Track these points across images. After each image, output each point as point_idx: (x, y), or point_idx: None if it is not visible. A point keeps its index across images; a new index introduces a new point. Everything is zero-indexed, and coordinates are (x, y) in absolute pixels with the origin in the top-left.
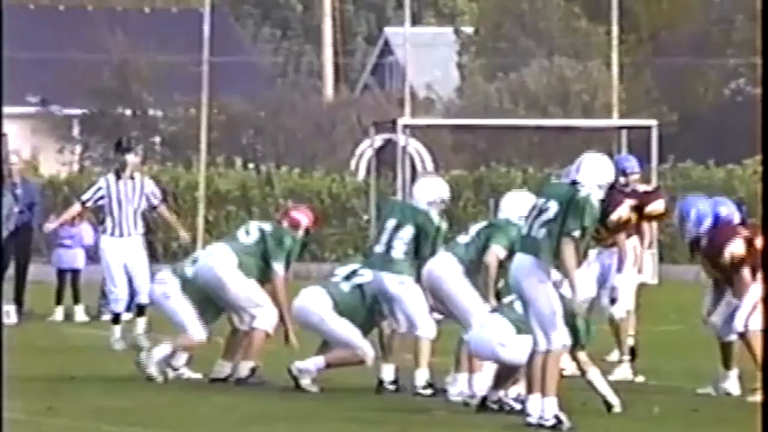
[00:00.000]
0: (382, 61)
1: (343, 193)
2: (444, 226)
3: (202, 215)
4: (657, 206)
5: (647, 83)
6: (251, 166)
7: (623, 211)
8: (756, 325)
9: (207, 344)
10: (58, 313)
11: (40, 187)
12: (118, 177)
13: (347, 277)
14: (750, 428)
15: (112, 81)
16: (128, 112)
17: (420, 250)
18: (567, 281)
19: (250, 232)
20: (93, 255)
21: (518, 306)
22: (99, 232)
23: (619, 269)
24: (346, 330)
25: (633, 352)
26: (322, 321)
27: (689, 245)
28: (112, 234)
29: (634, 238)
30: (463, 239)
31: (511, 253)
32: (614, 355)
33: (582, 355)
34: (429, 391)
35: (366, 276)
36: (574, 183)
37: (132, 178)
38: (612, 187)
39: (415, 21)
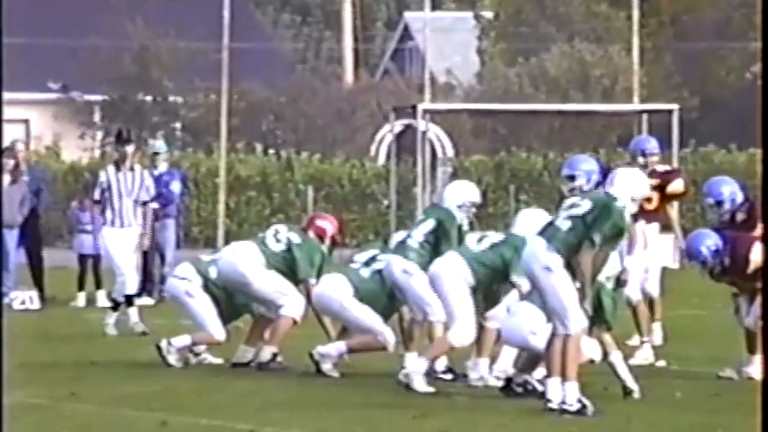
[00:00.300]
0: (401, 46)
1: (363, 179)
2: (466, 225)
3: (223, 201)
4: (677, 185)
5: (668, 68)
6: (271, 151)
7: None
8: None
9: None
10: (81, 299)
11: (52, 174)
12: (118, 168)
13: (367, 263)
14: None
15: (133, 67)
16: (149, 98)
17: (438, 246)
18: (578, 284)
19: (279, 240)
20: None
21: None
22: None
23: (629, 252)
24: (366, 316)
25: (664, 337)
26: (343, 308)
27: (710, 274)
28: (113, 224)
29: (642, 222)
30: (472, 242)
31: None
32: (635, 340)
33: (607, 337)
34: (449, 376)
35: (384, 262)
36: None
37: (132, 169)
38: (604, 172)
39: (435, 6)
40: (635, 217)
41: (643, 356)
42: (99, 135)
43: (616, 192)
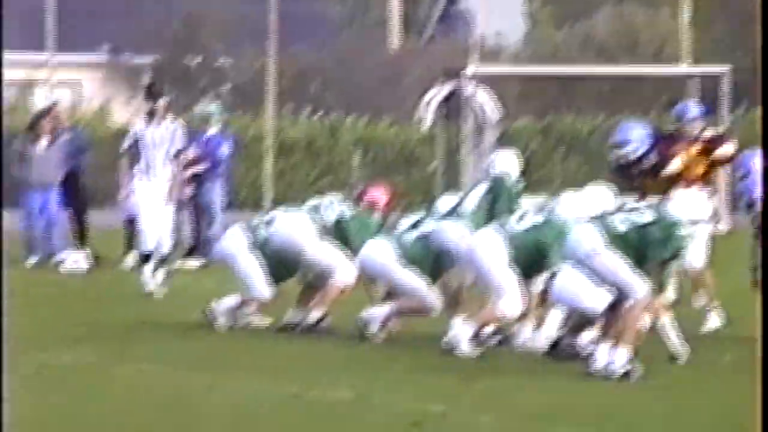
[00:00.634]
0: (449, 10)
1: (409, 143)
2: (520, 185)
3: (270, 164)
4: (726, 149)
5: (719, 29)
6: (318, 115)
7: (675, 164)
8: None
9: (275, 299)
10: (129, 260)
11: (100, 136)
12: (149, 121)
13: (412, 227)
14: None
15: (182, 30)
16: (197, 61)
17: (494, 209)
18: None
19: (333, 211)
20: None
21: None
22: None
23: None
24: (412, 280)
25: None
26: (388, 272)
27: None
28: (141, 176)
29: (694, 189)
30: (513, 220)
31: None
32: (700, 302)
33: (656, 301)
34: (495, 339)
35: (431, 226)
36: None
37: (162, 122)
38: (671, 136)
39: None
40: (686, 185)
41: (714, 323)
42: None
43: (678, 213)
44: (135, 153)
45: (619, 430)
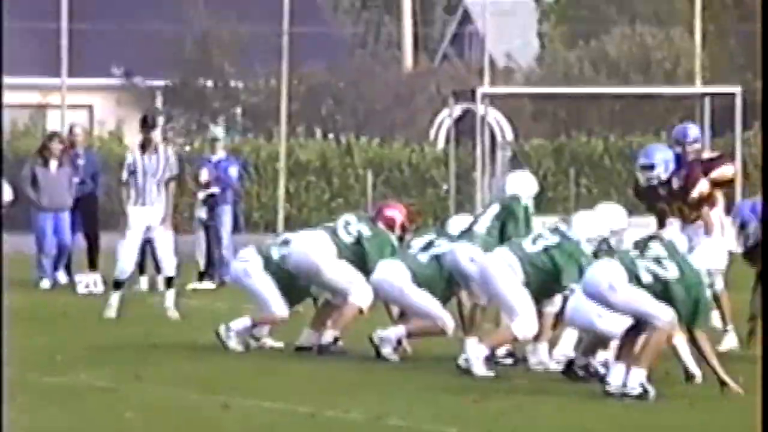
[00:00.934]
0: (461, 30)
1: (422, 163)
2: (531, 207)
3: (283, 186)
4: (725, 171)
5: (731, 50)
6: (331, 136)
7: (703, 186)
8: None
9: (289, 319)
10: (143, 283)
11: (115, 158)
12: (143, 151)
13: (424, 248)
14: None
15: (194, 52)
16: (210, 83)
17: (506, 230)
18: None
19: (350, 232)
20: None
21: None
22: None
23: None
24: (425, 301)
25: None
26: (402, 293)
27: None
28: (135, 203)
29: (718, 208)
30: (527, 242)
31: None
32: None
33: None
34: (509, 360)
35: (443, 246)
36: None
37: (156, 151)
38: (678, 159)
39: None
40: (711, 205)
41: (730, 343)
42: (161, 120)
43: (700, 267)
44: (133, 182)
45: None
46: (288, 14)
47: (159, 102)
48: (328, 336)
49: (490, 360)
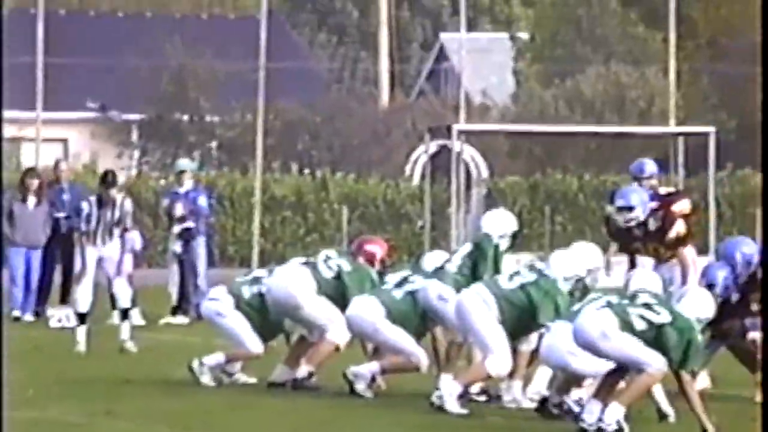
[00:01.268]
0: (437, 67)
1: (397, 199)
2: (504, 246)
3: (258, 220)
4: (682, 205)
5: (705, 90)
6: (307, 171)
7: (680, 227)
8: None
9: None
10: (115, 317)
11: (88, 192)
12: (100, 205)
13: (399, 284)
14: None
15: (170, 87)
16: (186, 117)
17: (477, 269)
18: None
19: (330, 267)
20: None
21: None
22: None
23: (684, 282)
24: (399, 337)
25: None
26: (376, 330)
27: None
28: (88, 244)
29: (691, 248)
30: (504, 279)
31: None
32: None
33: None
34: (483, 398)
35: (417, 283)
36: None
37: (113, 206)
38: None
39: (471, 27)
40: (683, 243)
41: (703, 383)
42: (136, 154)
43: (693, 314)
44: (88, 228)
45: None
46: (264, 49)
47: (135, 136)
48: (302, 371)
49: (464, 397)
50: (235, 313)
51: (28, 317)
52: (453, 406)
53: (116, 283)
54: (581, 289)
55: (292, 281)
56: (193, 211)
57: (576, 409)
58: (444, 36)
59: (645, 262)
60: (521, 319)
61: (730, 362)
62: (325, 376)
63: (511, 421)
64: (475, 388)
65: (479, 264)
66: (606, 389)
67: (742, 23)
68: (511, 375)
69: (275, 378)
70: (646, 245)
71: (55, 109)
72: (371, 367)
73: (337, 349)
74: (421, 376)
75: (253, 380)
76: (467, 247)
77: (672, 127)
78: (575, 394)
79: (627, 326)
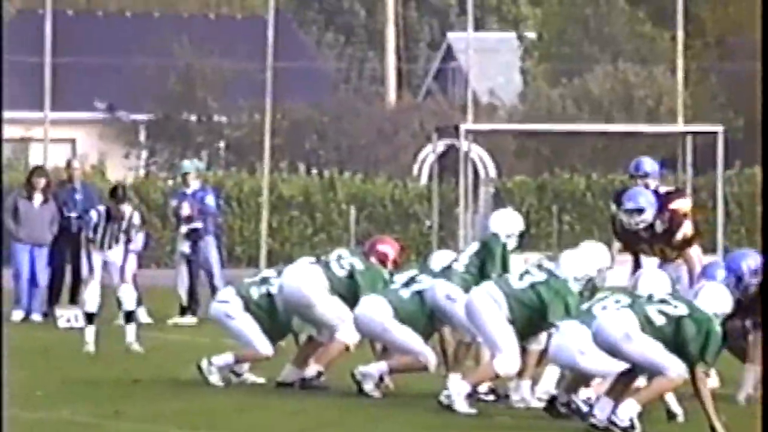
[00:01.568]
0: (444, 66)
1: (405, 199)
2: (511, 246)
3: (266, 220)
4: (681, 204)
5: (713, 88)
6: (314, 171)
7: (687, 229)
8: None
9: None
10: (122, 319)
11: (100, 192)
12: (108, 217)
13: (406, 284)
14: None
15: (178, 87)
16: (193, 117)
17: (485, 269)
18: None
19: (343, 266)
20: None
21: (597, 313)
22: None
23: (691, 283)
24: (408, 337)
25: None
26: (384, 329)
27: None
28: (95, 249)
29: (697, 248)
30: (514, 278)
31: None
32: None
33: None
34: (491, 397)
35: (425, 282)
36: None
37: (121, 219)
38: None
39: (478, 26)
40: (690, 244)
41: (712, 383)
42: (144, 154)
43: (710, 308)
44: (95, 237)
45: None
46: (272, 49)
47: (142, 136)
48: (311, 370)
49: (472, 397)
50: (244, 315)
51: (36, 317)
52: (461, 405)
53: (121, 288)
54: (590, 289)
55: (305, 279)
56: (201, 210)
57: (584, 408)
58: (451, 35)
59: (650, 261)
60: (531, 318)
61: (730, 362)
62: (333, 376)
63: (520, 421)
64: (483, 388)
65: (487, 263)
66: (619, 388)
67: (750, 22)
68: (520, 374)
69: (284, 378)
70: (652, 246)
71: (63, 109)
72: (379, 366)
73: (347, 348)
74: (430, 375)
75: (261, 380)
76: (475, 247)
77: (680, 126)
78: (583, 393)
79: (647, 323)
